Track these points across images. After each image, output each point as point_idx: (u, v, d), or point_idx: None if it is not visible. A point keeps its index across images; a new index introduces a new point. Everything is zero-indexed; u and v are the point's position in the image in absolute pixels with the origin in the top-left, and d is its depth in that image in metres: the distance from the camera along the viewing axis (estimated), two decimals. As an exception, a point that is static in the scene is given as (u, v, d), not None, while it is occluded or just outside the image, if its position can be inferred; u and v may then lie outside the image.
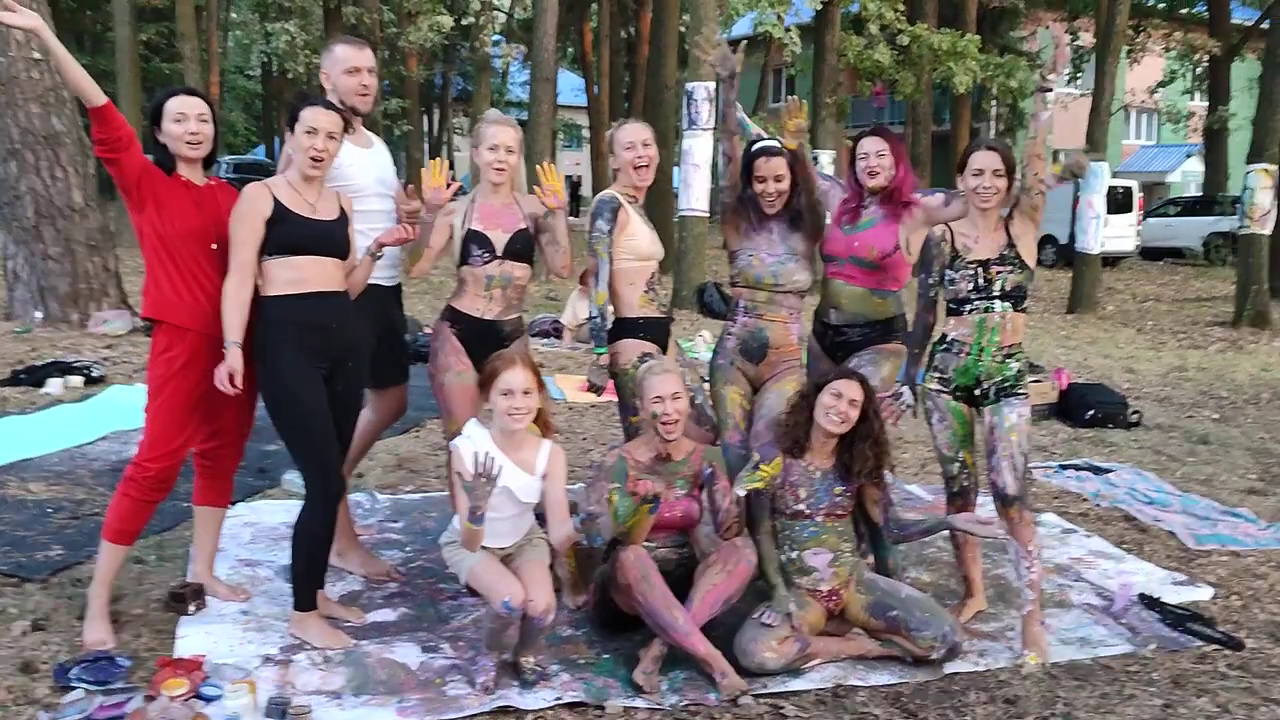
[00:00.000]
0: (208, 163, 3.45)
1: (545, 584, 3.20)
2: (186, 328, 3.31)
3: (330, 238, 3.39)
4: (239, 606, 3.65)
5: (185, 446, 3.40)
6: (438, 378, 3.78)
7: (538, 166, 3.73)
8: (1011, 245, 3.56)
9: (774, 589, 3.46)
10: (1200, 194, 25.72)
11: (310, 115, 3.33)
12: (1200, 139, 25.93)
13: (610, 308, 3.82)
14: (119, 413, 6.01)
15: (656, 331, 3.88)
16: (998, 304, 3.55)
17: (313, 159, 3.33)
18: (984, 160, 3.51)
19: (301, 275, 3.32)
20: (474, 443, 3.24)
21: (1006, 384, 3.59)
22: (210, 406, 3.46)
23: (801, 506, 3.51)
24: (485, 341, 3.71)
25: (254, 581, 3.88)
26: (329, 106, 3.41)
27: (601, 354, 3.79)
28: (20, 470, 5.10)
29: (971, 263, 3.57)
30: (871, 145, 3.84)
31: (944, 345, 3.68)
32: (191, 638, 3.39)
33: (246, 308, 3.29)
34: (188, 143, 3.33)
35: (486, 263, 3.71)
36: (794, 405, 3.59)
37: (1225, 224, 22.23)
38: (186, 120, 3.32)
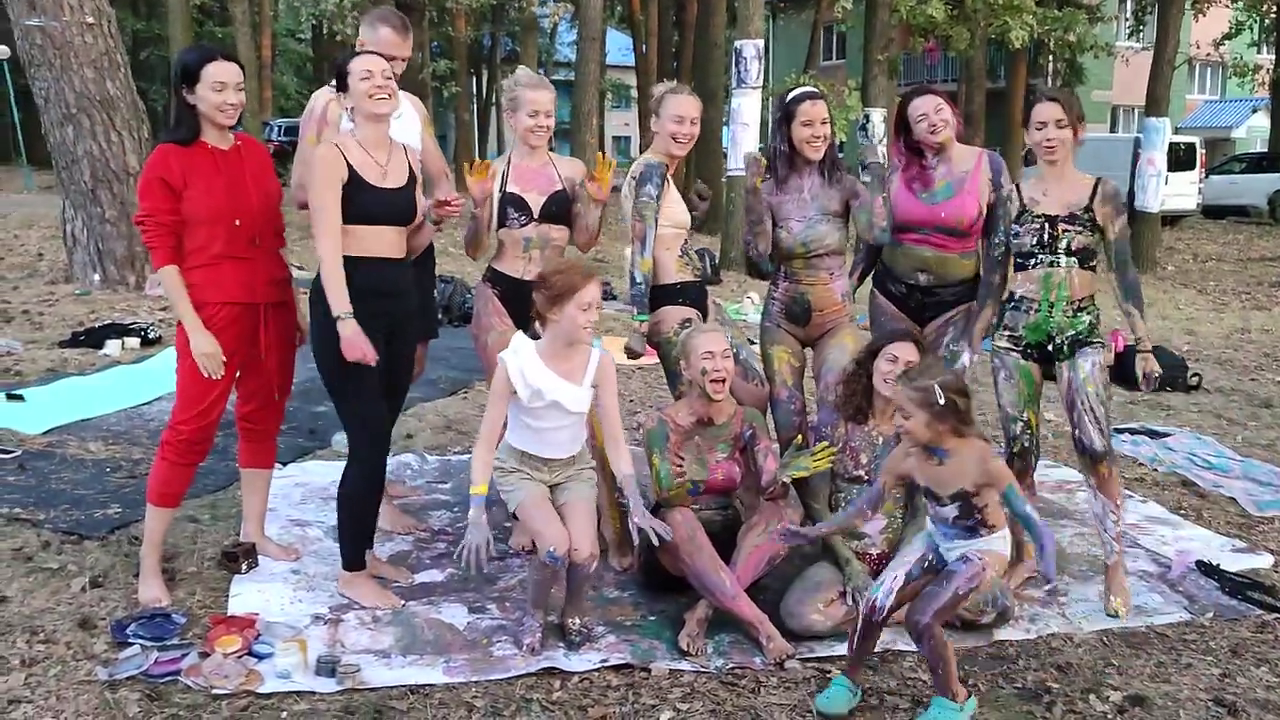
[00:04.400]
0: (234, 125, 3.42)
1: (589, 529, 3.18)
2: (206, 301, 3.30)
3: (399, 207, 3.36)
4: (290, 566, 3.70)
5: (216, 408, 3.39)
6: (481, 338, 3.80)
7: (597, 156, 3.69)
8: (1089, 210, 3.46)
9: (846, 564, 3.41)
10: (1266, 150, 24.95)
11: (362, 63, 3.29)
12: (1267, 93, 25.10)
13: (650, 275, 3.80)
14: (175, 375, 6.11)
15: (694, 295, 3.86)
16: (1063, 259, 3.47)
17: (378, 98, 3.28)
18: (1045, 112, 3.44)
19: (366, 243, 3.31)
20: (520, 357, 3.19)
21: (1080, 336, 3.53)
22: (245, 369, 3.48)
23: (861, 472, 3.47)
24: (527, 301, 3.70)
25: (304, 541, 3.93)
26: (370, 53, 3.37)
27: (643, 321, 3.76)
28: (80, 430, 5.21)
29: (1038, 217, 3.50)
30: (928, 104, 3.80)
31: (1013, 303, 3.61)
32: (244, 596, 3.45)
33: (341, 272, 3.24)
34: (223, 112, 3.28)
35: (523, 225, 3.72)
36: (851, 373, 3.55)
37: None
38: (226, 90, 3.27)
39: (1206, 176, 22.68)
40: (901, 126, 3.87)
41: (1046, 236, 3.48)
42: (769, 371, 3.98)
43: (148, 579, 3.41)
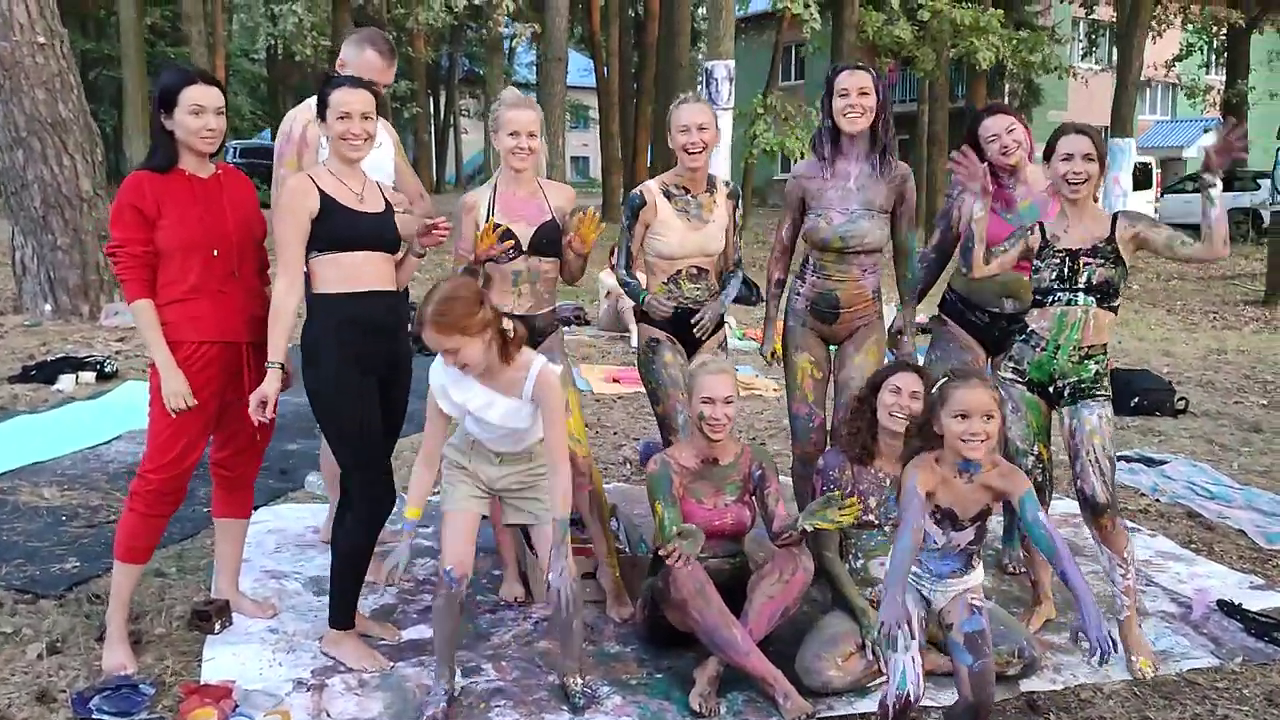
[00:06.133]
0: (214, 152, 3.20)
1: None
2: (180, 340, 3.08)
3: (379, 232, 3.16)
4: (267, 624, 3.44)
5: (189, 455, 3.15)
6: None
7: (579, 215, 3.52)
8: (1111, 241, 3.31)
9: (862, 615, 3.23)
10: (1219, 169, 25.33)
11: (341, 98, 3.09)
12: (1218, 113, 25.54)
13: (639, 275, 3.80)
14: (134, 411, 5.78)
15: (667, 319, 3.72)
16: (1081, 297, 3.31)
17: (351, 143, 3.10)
18: (1075, 144, 3.28)
19: (353, 273, 3.09)
20: (446, 373, 2.94)
21: (1083, 385, 3.36)
22: (223, 412, 3.25)
23: (871, 516, 3.29)
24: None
25: (282, 595, 3.68)
26: (356, 84, 3.17)
27: (647, 296, 3.71)
28: (32, 474, 4.90)
29: (1059, 251, 3.34)
30: (1000, 124, 3.69)
31: (1023, 337, 3.46)
32: (218, 660, 3.19)
33: (292, 320, 3.07)
34: (203, 138, 3.09)
35: (511, 259, 3.49)
36: (854, 410, 3.38)
37: (1245, 200, 21.93)
38: (204, 114, 3.06)
39: (1161, 196, 23.00)
40: (973, 146, 3.72)
41: (1067, 271, 3.32)
42: (789, 383, 3.85)
43: (112, 644, 3.14)
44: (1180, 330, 10.78)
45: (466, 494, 3.06)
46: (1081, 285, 3.31)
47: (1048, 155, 3.37)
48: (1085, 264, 3.31)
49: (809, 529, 3.11)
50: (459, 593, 2.93)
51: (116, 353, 7.50)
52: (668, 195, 3.71)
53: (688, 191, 3.71)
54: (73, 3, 22.36)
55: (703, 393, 3.25)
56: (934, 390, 2.74)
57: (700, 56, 18.07)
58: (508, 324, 2.90)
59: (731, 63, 10.81)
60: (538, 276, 3.57)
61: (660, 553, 3.17)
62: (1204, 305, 12.83)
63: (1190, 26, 24.38)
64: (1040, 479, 3.48)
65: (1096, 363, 3.36)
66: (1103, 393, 3.37)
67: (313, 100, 3.54)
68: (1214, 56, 27.83)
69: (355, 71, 3.69)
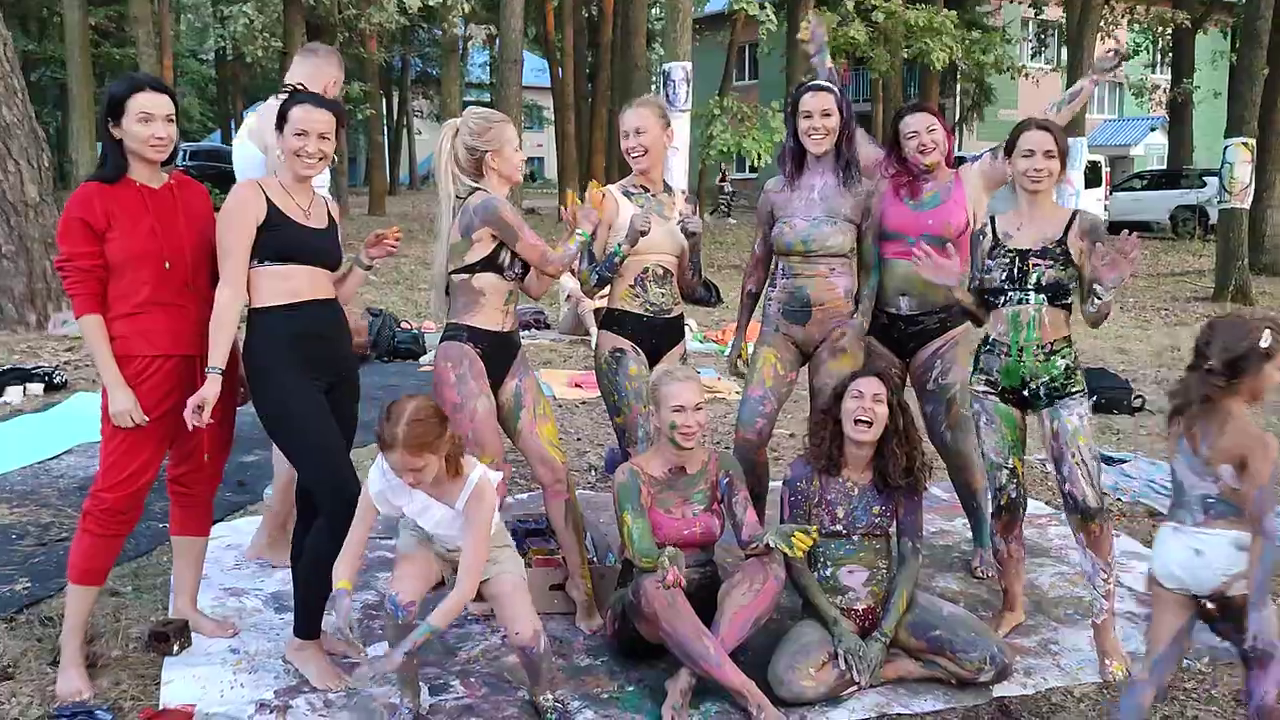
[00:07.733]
0: (167, 160, 3.13)
1: (525, 608, 2.89)
2: (133, 354, 3.00)
3: (324, 248, 3.14)
4: (227, 644, 3.36)
5: (145, 473, 3.08)
6: (467, 405, 3.41)
7: (592, 184, 3.60)
8: (1062, 243, 3.31)
9: (834, 624, 3.21)
10: (1165, 167, 25.80)
11: (301, 116, 3.05)
12: (1164, 112, 26.01)
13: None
14: (85, 423, 5.64)
15: (634, 327, 3.73)
16: (1031, 297, 3.31)
17: (305, 161, 3.06)
18: (1036, 140, 3.29)
19: (295, 285, 3.06)
20: (384, 478, 2.85)
21: (1056, 384, 3.35)
22: (179, 428, 3.17)
23: (839, 526, 3.28)
24: (504, 355, 3.56)
25: (241, 614, 3.59)
26: (320, 103, 3.13)
27: (623, 246, 3.60)
28: (-21, 491, 4.77)
29: (1009, 251, 3.35)
30: (921, 122, 3.70)
31: (987, 346, 3.46)
32: (178, 683, 3.10)
33: (234, 326, 3.01)
34: (152, 146, 3.01)
35: (516, 277, 3.50)
36: (817, 421, 3.37)
37: (1192, 197, 22.35)
38: (153, 121, 2.98)
39: (1111, 193, 23.36)
40: (893, 140, 3.76)
41: (1016, 271, 3.33)
42: (750, 372, 3.85)
43: (68, 668, 3.04)
44: (1134, 327, 10.92)
45: (417, 545, 2.93)
46: (1031, 285, 3.32)
47: (1009, 150, 3.37)
48: (1035, 265, 3.31)
49: (773, 545, 3.09)
50: (406, 622, 2.81)
51: (65, 363, 7.32)
52: (628, 195, 3.77)
53: (646, 190, 3.77)
54: (13, 2, 21.85)
55: (672, 401, 3.22)
56: (1268, 339, 2.54)
57: (656, 57, 18.10)
58: (459, 436, 2.84)
59: (689, 64, 10.78)
60: (517, 293, 3.59)
61: (654, 578, 3.09)
62: (1155, 302, 13.03)
63: (1136, 26, 24.79)
64: (1015, 494, 3.47)
65: (1063, 357, 3.35)
66: (1078, 389, 3.36)
67: None
68: (1159, 56, 28.34)
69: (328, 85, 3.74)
